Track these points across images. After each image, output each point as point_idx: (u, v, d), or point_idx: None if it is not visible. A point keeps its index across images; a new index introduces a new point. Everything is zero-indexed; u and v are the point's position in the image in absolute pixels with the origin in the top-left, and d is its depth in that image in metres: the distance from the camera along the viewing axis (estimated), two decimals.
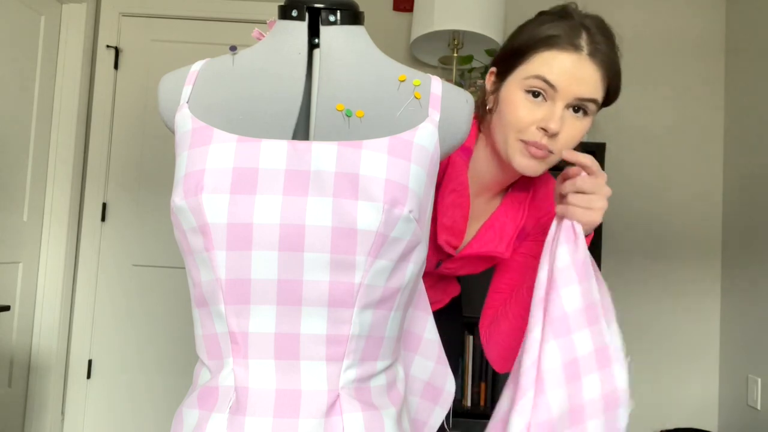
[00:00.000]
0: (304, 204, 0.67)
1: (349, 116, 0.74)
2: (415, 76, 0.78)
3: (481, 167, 1.06)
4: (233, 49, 0.79)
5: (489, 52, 2.39)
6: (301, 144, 0.69)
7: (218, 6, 2.80)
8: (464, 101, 0.79)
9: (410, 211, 0.69)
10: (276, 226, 0.67)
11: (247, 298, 0.69)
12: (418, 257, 0.73)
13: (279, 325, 0.69)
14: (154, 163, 2.81)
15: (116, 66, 2.83)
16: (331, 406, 0.69)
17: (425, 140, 0.73)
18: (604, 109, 2.99)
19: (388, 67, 0.78)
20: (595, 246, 2.26)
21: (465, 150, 1.07)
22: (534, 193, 1.13)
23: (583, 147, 2.29)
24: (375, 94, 0.76)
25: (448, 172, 1.05)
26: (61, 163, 2.72)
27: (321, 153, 0.68)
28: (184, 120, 0.75)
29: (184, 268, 2.78)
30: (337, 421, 0.68)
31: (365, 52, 0.78)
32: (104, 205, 2.80)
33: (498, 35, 2.29)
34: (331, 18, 0.77)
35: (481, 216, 1.13)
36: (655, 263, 2.62)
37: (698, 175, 2.64)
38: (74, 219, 2.76)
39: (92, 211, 2.79)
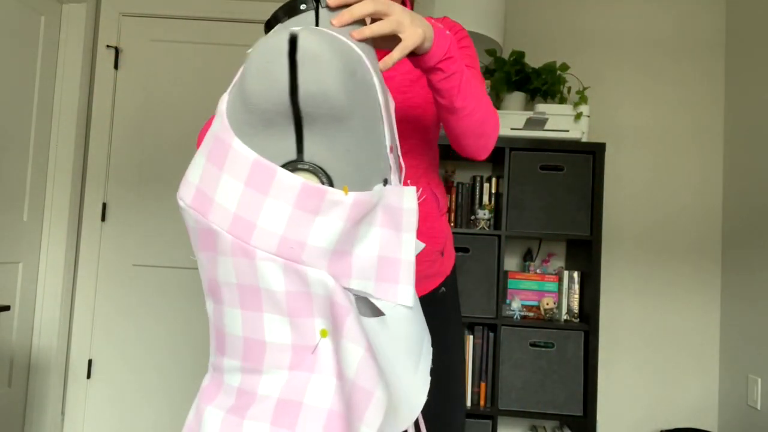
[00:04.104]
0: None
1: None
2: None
3: None
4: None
5: (489, 52, 2.39)
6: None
7: (218, 6, 2.80)
8: None
9: None
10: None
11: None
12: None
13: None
14: (154, 163, 2.81)
15: (116, 66, 2.83)
16: None
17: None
18: (604, 109, 2.97)
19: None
20: (594, 246, 2.26)
21: None
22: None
23: (584, 147, 2.29)
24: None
25: None
26: (61, 163, 2.72)
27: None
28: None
29: (184, 267, 2.78)
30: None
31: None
32: (104, 205, 2.80)
33: (498, 35, 2.29)
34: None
35: None
36: (655, 263, 2.62)
37: (698, 174, 2.64)
38: (74, 219, 2.76)
39: (92, 211, 2.79)
